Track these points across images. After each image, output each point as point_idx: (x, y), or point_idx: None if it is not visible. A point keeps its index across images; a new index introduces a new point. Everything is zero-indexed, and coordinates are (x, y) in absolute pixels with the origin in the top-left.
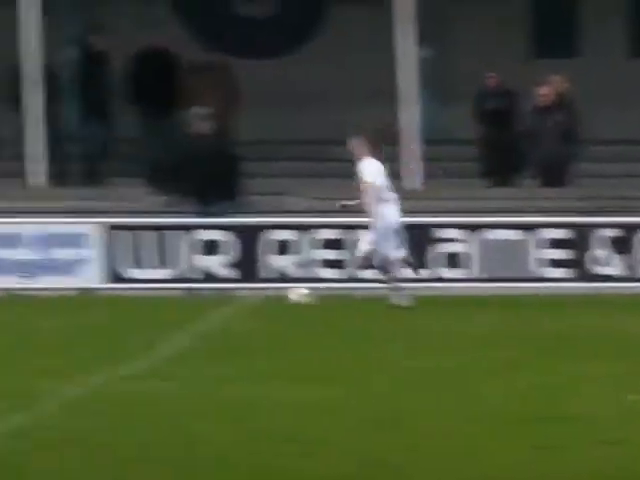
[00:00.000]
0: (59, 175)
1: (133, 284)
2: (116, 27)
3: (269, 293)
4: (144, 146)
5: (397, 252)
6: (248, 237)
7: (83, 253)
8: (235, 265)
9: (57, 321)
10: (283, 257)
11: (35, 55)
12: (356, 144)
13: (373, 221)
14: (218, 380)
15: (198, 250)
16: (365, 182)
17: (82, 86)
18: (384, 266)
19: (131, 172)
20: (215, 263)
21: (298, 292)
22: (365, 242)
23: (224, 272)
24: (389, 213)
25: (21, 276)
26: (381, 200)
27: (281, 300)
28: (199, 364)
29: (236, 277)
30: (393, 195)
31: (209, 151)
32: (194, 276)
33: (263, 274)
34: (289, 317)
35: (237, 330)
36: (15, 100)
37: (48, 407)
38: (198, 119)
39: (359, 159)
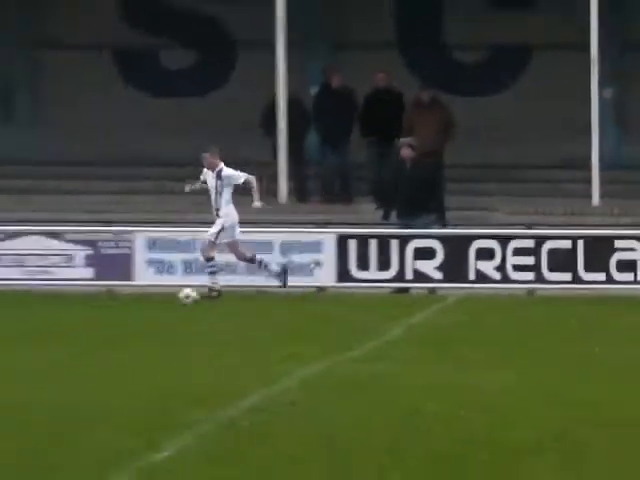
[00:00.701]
0: (301, 193)
1: (360, 283)
2: (352, 69)
3: (472, 292)
4: (371, 170)
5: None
6: (455, 245)
7: (320, 257)
8: (443, 268)
9: (285, 314)
10: (484, 262)
11: (283, 93)
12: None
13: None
14: (425, 364)
15: (413, 255)
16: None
17: (322, 119)
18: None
19: (361, 191)
20: (427, 266)
21: (185, 292)
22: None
23: (434, 274)
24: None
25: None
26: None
27: (481, 298)
28: (410, 351)
29: (444, 278)
30: None
31: (416, 174)
32: (409, 277)
33: (467, 276)
34: (491, 312)
35: (443, 323)
36: (270, 129)
37: (287, 384)
38: (406, 146)
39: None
